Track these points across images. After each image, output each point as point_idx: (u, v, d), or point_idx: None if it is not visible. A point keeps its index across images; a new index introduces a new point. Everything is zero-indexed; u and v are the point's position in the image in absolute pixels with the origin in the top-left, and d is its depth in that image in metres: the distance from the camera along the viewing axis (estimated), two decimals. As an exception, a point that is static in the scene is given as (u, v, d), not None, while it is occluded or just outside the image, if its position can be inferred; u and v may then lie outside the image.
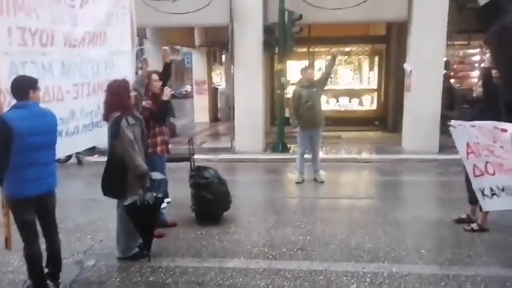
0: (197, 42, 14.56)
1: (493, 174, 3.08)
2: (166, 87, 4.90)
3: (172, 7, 9.43)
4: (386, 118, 12.54)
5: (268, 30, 9.17)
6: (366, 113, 13.01)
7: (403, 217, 5.55)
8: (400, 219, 5.47)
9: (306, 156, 7.23)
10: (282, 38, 8.96)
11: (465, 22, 9.04)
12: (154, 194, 4.06)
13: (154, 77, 5.04)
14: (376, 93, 13.02)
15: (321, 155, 7.58)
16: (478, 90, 4.59)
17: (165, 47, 5.43)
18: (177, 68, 26.08)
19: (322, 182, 7.17)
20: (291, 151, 9.18)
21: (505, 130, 2.80)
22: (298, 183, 7.19)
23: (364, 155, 9.42)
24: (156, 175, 4.29)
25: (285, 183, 7.81)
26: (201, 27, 13.37)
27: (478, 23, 1.18)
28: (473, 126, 3.36)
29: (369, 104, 13.14)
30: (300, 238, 4.83)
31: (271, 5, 9.15)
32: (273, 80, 11.13)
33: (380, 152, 9.57)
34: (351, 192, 7.18)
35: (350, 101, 13.09)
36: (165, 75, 5.19)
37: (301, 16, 8.80)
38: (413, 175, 7.99)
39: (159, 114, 4.89)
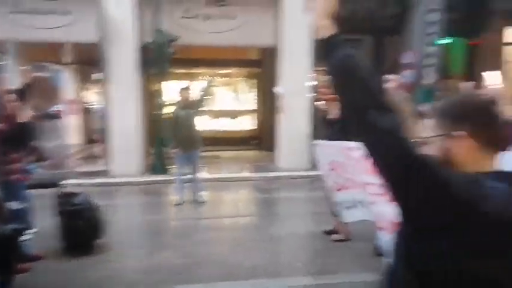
0: (66, 59, 13.62)
1: (350, 188, 3.44)
2: (25, 108, 4.46)
3: (37, 21, 8.74)
4: (263, 138, 13.12)
5: (143, 49, 9.01)
6: (244, 133, 13.46)
7: (280, 232, 5.82)
8: (277, 234, 5.72)
9: (185, 177, 7.19)
10: (158, 58, 8.87)
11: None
12: (13, 226, 3.65)
13: (10, 96, 4.54)
14: (253, 114, 13.59)
15: (201, 175, 7.61)
16: (334, 112, 5.05)
17: (25, 67, 4.99)
18: (46, 86, 24.00)
19: (203, 202, 7.18)
20: (170, 172, 9.04)
21: (352, 149, 3.19)
22: (178, 204, 7.09)
23: (243, 174, 9.70)
24: (14, 204, 3.87)
25: (164, 206, 7.64)
26: (70, 43, 12.56)
27: (321, 54, 1.32)
28: (331, 145, 3.75)
29: (246, 124, 13.64)
30: (180, 261, 4.74)
31: (147, 24, 9.04)
32: (152, 101, 10.92)
33: (257, 170, 9.94)
34: (231, 211, 7.30)
35: (229, 122, 13.44)
36: (24, 95, 4.72)
37: (176, 37, 8.83)
38: (288, 192, 8.43)
39: (14, 138, 4.39)
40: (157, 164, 9.29)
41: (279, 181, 9.10)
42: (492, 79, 3.19)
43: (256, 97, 13.51)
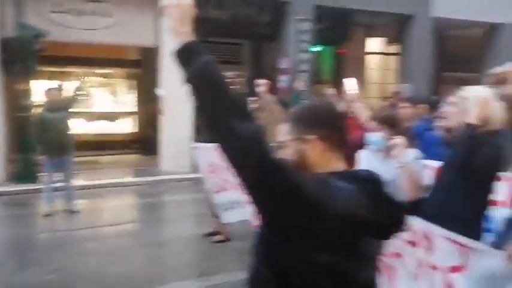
0: None
1: (228, 190, 3.53)
2: None
3: None
4: (145, 141, 12.71)
5: (4, 45, 8.09)
6: (125, 136, 12.87)
7: (162, 237, 5.71)
8: (159, 239, 5.61)
9: (56, 185, 6.63)
10: (23, 55, 8.04)
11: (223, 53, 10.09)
12: None
13: None
14: (133, 116, 13.08)
15: (75, 182, 7.08)
16: None
17: None
18: None
19: (77, 211, 6.69)
20: (39, 181, 8.24)
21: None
22: (48, 215, 6.49)
23: (124, 179, 9.28)
24: None
25: (32, 218, 6.92)
26: None
27: (177, 63, 1.31)
28: (208, 148, 3.81)
29: (127, 127, 13.07)
30: (50, 277, 4.36)
31: (9, 17, 8.14)
32: (16, 101, 9.89)
33: (139, 174, 9.62)
34: (110, 219, 6.93)
35: (107, 125, 12.74)
36: None
37: (44, 33, 8.09)
38: (171, 195, 8.31)
39: None
40: (23, 172, 8.40)
41: (162, 185, 8.91)
42: (350, 85, 3.54)
43: (136, 99, 13.03)
